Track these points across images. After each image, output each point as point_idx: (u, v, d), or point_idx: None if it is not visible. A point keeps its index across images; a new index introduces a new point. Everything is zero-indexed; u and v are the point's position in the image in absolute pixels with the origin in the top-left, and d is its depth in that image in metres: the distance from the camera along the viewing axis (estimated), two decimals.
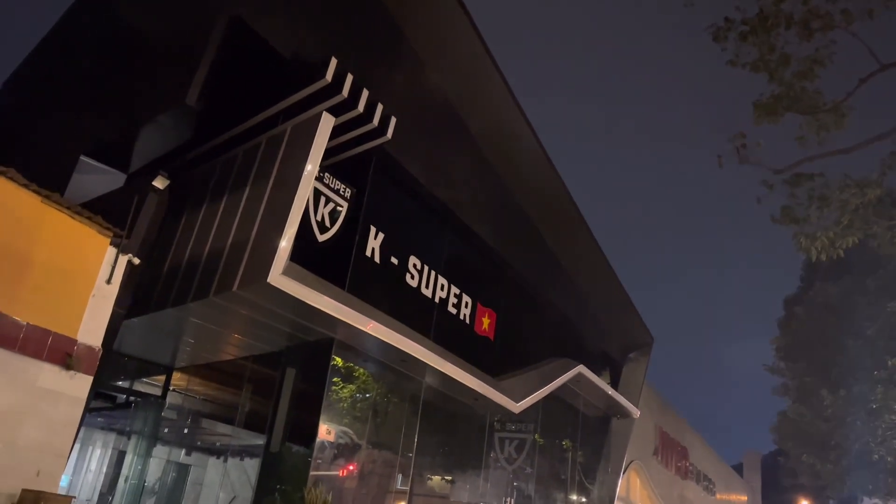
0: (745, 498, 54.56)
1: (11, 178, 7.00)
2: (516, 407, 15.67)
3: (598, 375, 20.62)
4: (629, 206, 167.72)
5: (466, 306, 15.36)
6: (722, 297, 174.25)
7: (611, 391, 21.35)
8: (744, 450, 63.69)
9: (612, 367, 24.08)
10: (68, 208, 7.51)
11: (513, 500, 17.59)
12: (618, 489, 24.05)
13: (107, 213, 8.03)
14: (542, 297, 19.37)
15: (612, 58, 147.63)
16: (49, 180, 7.76)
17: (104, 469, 16.65)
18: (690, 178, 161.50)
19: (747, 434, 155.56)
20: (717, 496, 44.26)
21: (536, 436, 18.67)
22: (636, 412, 23.05)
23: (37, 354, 7.04)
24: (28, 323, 6.98)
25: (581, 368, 18.99)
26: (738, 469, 56.74)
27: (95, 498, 15.77)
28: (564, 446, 21.13)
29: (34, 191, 7.21)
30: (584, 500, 22.16)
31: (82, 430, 8.95)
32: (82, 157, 11.40)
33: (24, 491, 6.70)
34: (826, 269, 32.79)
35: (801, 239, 10.80)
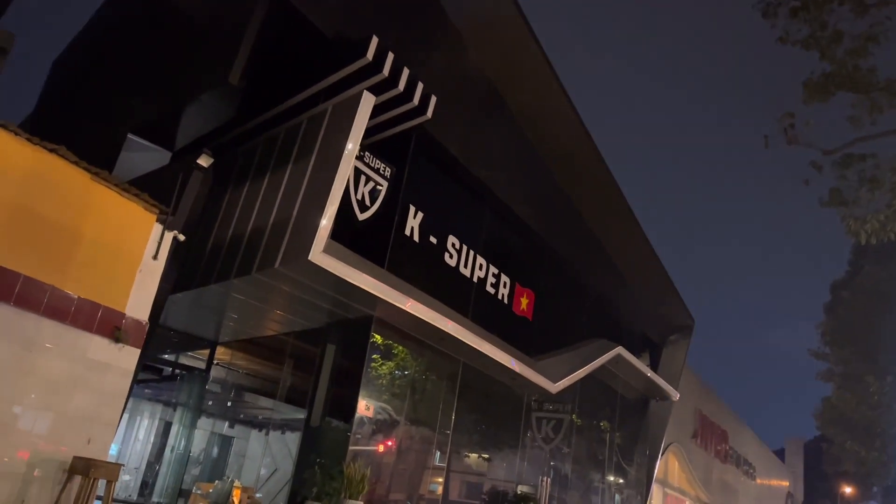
0: (787, 484, 53.84)
1: (63, 156, 7.19)
2: (554, 387, 15.66)
3: (638, 357, 20.44)
4: (673, 186, 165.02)
5: (505, 286, 15.34)
6: (767, 281, 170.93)
7: (650, 373, 21.17)
8: (786, 435, 62.86)
9: (651, 349, 23.85)
10: (116, 185, 7.68)
11: (550, 480, 17.62)
12: (656, 471, 23.94)
13: (153, 190, 8.20)
14: (581, 278, 19.24)
15: (657, 34, 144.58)
16: (98, 158, 7.94)
17: (151, 439, 17.15)
18: (736, 158, 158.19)
19: (790, 419, 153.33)
20: (758, 481, 43.75)
21: (574, 416, 18.65)
22: (675, 395, 22.83)
23: (87, 327, 7.26)
24: (79, 297, 7.20)
25: (620, 350, 18.85)
26: (780, 454, 55.97)
27: (143, 466, 16.27)
28: (602, 427, 21.06)
29: (84, 168, 7.39)
30: (621, 481, 22.10)
31: (130, 400, 9.23)
32: (129, 136, 11.64)
33: (76, 458, 6.96)
34: (876, 253, 31.98)
35: (850, 222, 10.53)
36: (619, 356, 18.90)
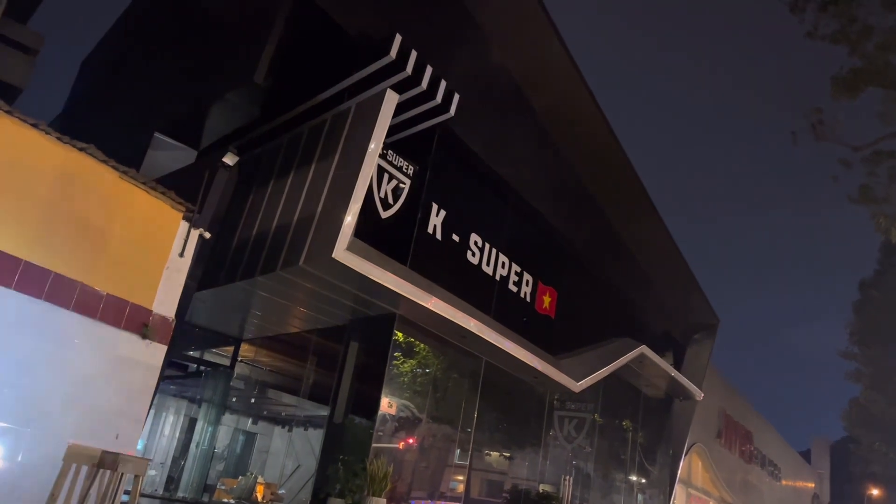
0: (812, 485, 53.14)
1: (92, 155, 7.28)
2: (576, 386, 15.61)
3: (661, 356, 20.29)
4: (699, 184, 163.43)
5: (527, 284, 15.31)
6: (794, 279, 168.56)
7: (674, 372, 21.00)
8: (812, 436, 62.00)
9: (675, 348, 23.66)
10: (144, 184, 7.77)
11: (571, 479, 17.57)
12: (679, 471, 23.76)
13: (179, 188, 8.28)
14: (604, 276, 19.14)
15: (685, 31, 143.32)
16: (125, 157, 8.04)
17: (177, 435, 17.31)
18: (762, 154, 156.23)
19: (817, 420, 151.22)
20: (783, 482, 43.22)
21: (596, 415, 18.57)
22: (699, 394, 22.64)
23: (116, 323, 7.35)
24: (107, 293, 7.29)
25: (643, 349, 18.73)
26: (806, 456, 55.24)
27: (169, 462, 16.43)
28: (625, 426, 20.94)
29: (113, 167, 7.47)
30: (644, 481, 21.97)
31: (157, 396, 9.33)
32: (156, 134, 11.79)
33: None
34: None
35: (880, 219, 10.39)
36: (642, 355, 18.78)
